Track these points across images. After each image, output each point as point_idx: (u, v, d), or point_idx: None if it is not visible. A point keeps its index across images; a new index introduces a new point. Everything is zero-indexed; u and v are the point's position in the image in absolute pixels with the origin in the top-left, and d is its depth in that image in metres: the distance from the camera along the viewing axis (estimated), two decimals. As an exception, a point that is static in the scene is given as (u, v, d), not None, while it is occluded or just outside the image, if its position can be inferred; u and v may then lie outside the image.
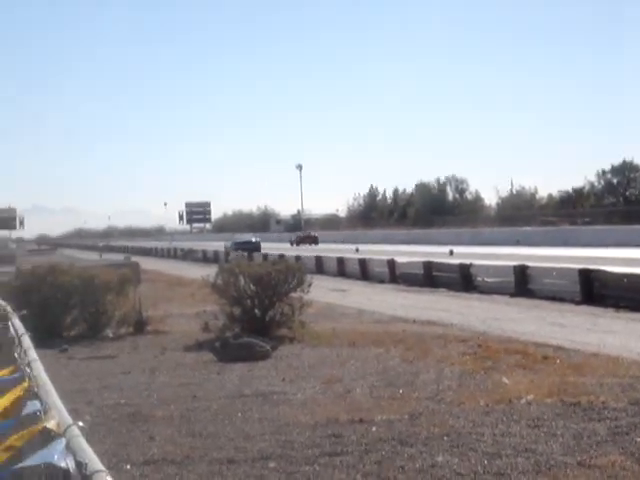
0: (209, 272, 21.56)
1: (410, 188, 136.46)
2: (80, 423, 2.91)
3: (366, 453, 9.72)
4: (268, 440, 10.47)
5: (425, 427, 10.74)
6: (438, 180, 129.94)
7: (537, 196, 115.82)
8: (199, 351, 18.03)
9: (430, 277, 33.10)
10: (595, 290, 24.40)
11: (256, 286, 20.16)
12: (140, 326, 21.79)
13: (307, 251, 53.82)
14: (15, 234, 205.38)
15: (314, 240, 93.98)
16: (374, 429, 10.77)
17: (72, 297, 21.67)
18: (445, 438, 10.17)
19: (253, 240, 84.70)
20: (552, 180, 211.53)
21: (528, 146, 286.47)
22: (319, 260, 45.05)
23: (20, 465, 2.90)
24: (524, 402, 11.93)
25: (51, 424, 3.03)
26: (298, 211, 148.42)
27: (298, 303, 20.09)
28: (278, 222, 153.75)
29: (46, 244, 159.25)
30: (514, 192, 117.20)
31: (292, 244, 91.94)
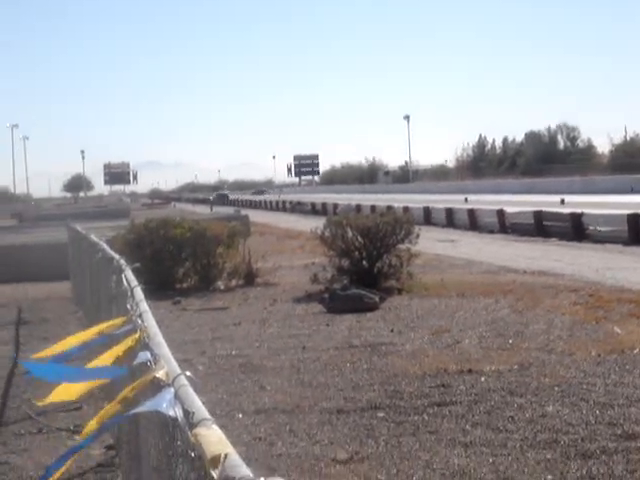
0: (317, 224, 21.65)
1: (520, 137, 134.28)
2: (188, 373, 2.98)
3: (475, 403, 9.71)
4: (377, 390, 10.55)
5: (535, 377, 10.66)
6: (549, 128, 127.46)
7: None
8: (308, 302, 18.18)
9: (541, 227, 32.63)
10: None
11: (364, 238, 20.18)
12: (250, 278, 22.06)
13: (416, 202, 53.53)
14: (129, 189, 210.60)
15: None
16: (483, 379, 10.74)
17: (184, 250, 22.05)
18: (555, 388, 10.09)
19: (226, 193, 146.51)
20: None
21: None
22: (427, 211, 44.79)
23: (132, 412, 2.99)
24: (637, 352, 11.73)
25: (160, 374, 3.11)
26: (406, 162, 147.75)
27: (406, 254, 20.04)
28: (386, 174, 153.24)
29: (158, 198, 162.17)
30: (628, 139, 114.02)
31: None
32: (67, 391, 3.81)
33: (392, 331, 14.42)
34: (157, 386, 3.13)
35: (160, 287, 19.82)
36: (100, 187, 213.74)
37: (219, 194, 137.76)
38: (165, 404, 2.72)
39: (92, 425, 3.35)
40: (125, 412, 3.39)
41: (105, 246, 11.59)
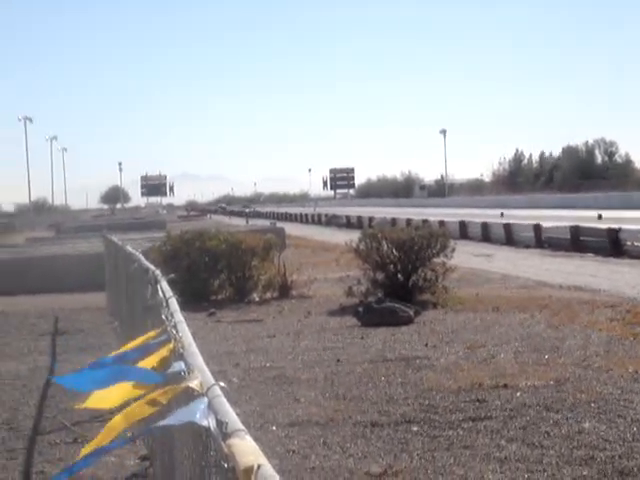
0: (352, 238, 21.64)
1: (557, 152, 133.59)
2: (222, 383, 2.97)
3: (510, 418, 9.64)
4: (411, 404, 10.50)
5: (571, 393, 10.56)
6: (586, 143, 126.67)
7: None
8: (343, 315, 18.16)
9: (577, 242, 32.39)
10: None
11: (399, 251, 20.14)
12: (285, 290, 22.09)
13: (451, 216, 53.37)
14: (165, 200, 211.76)
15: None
16: (519, 394, 10.66)
17: (219, 262, 22.13)
18: (592, 404, 9.99)
19: (224, 205, 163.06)
20: None
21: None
22: (463, 225, 44.62)
23: (165, 422, 2.98)
24: (675, 370, 11.58)
25: (194, 383, 3.11)
26: (442, 176, 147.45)
27: (441, 268, 19.98)
28: (422, 188, 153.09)
29: (195, 210, 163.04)
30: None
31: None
32: (103, 399, 3.81)
33: (427, 345, 14.36)
34: (190, 396, 3.13)
35: (195, 299, 19.88)
36: (137, 199, 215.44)
37: (220, 206, 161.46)
38: (199, 414, 2.71)
39: (118, 421, 3.32)
40: (154, 415, 3.38)
41: (141, 257, 11.63)
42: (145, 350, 4.53)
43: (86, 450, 3.31)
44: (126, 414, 3.34)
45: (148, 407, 3.29)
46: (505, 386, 11.10)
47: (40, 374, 13.62)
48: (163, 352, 4.18)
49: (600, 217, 47.26)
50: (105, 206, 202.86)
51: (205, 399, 2.82)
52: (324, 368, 12.87)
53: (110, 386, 3.74)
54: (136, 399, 3.50)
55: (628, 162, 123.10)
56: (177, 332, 4.32)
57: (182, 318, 4.90)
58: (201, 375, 3.20)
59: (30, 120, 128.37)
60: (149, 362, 3.99)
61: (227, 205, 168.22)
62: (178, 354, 3.91)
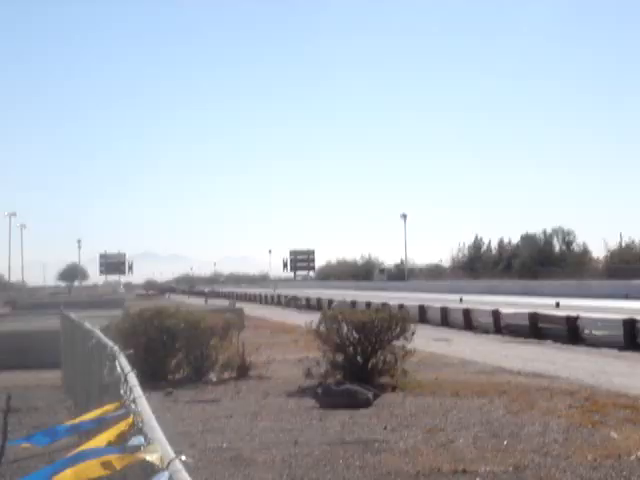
0: (312, 319, 21.59)
1: (515, 239, 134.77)
2: (183, 457, 2.90)
3: (469, 504, 9.53)
4: (369, 488, 10.35)
5: (530, 480, 10.49)
6: (544, 231, 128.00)
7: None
8: (301, 397, 18.01)
9: (536, 329, 32.51)
10: None
11: (359, 333, 20.10)
12: (243, 371, 21.91)
13: (410, 300, 53.49)
14: (124, 279, 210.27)
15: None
16: (478, 480, 10.56)
17: (178, 340, 21.91)
18: (551, 492, 9.91)
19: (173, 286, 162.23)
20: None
21: (639, 199, 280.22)
22: (422, 309, 44.69)
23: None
24: (634, 458, 11.57)
25: (154, 457, 3.03)
26: (401, 260, 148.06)
27: (401, 351, 19.94)
28: (381, 271, 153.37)
29: (153, 289, 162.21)
30: (623, 245, 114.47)
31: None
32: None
33: (385, 428, 14.25)
34: (150, 470, 3.05)
35: (152, 377, 19.60)
36: (95, 276, 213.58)
37: (169, 286, 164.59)
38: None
39: (68, 476, 3.20)
40: (104, 479, 3.28)
41: (99, 333, 11.50)
42: (101, 422, 4.44)
43: None
44: (76, 471, 3.22)
45: (100, 468, 3.19)
46: (464, 471, 11.01)
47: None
48: (121, 426, 4.09)
49: (558, 305, 47.57)
50: (62, 283, 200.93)
51: (166, 473, 2.76)
52: (282, 450, 12.70)
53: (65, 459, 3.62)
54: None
55: (585, 252, 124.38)
56: (136, 406, 4.24)
57: (141, 393, 4.82)
58: (162, 449, 3.13)
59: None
60: (106, 435, 3.90)
61: (190, 286, 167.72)
62: (137, 428, 3.83)
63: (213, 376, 21.72)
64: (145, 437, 3.52)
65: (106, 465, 3.18)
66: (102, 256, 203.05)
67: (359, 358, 20.00)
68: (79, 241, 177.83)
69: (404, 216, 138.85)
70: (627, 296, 61.03)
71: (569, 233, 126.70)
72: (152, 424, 3.73)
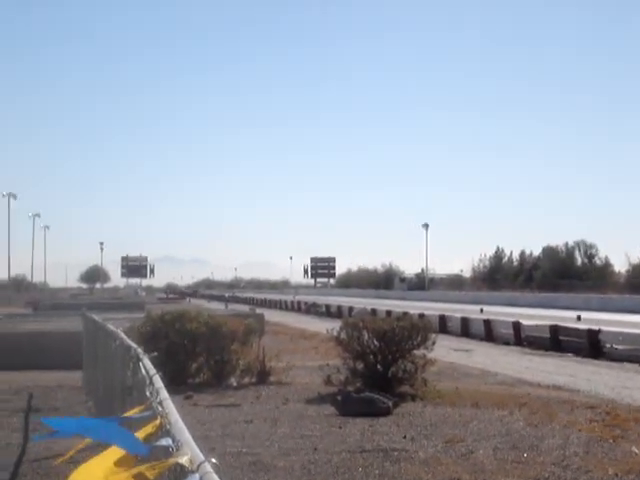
0: (332, 326, 21.59)
1: (537, 251, 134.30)
2: (213, 460, 2.92)
3: (489, 516, 9.50)
4: (388, 497, 10.34)
5: (550, 493, 10.45)
6: (566, 244, 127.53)
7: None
8: (321, 404, 18.01)
9: (557, 341, 32.41)
10: None
11: (380, 341, 20.08)
12: (263, 376, 21.93)
13: (431, 310, 53.37)
14: (145, 282, 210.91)
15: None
16: (497, 492, 10.53)
17: (198, 344, 21.96)
18: (571, 505, 9.87)
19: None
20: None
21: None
22: (443, 319, 44.60)
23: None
24: (655, 473, 11.50)
25: (184, 460, 3.05)
26: (422, 270, 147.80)
27: (421, 361, 19.91)
28: (402, 280, 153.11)
29: (173, 293, 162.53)
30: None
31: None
32: (87, 475, 3.70)
33: (405, 437, 14.22)
34: (179, 473, 3.07)
35: (172, 381, 19.60)
36: (117, 279, 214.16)
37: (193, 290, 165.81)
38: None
39: None
40: None
41: (123, 335, 11.55)
42: (128, 424, 4.45)
43: None
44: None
45: None
46: (484, 482, 10.97)
47: (12, 451, 13.43)
48: (148, 428, 4.11)
49: (579, 318, 47.36)
50: (84, 285, 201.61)
51: (196, 476, 2.77)
52: (301, 456, 12.71)
53: (92, 439, 3.63)
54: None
55: (607, 265, 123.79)
56: (163, 408, 4.26)
57: (167, 395, 4.84)
58: (191, 451, 3.15)
59: (14, 197, 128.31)
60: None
61: (206, 289, 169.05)
62: (165, 430, 3.85)
63: (233, 381, 21.75)
64: (173, 439, 3.54)
65: (139, 477, 3.20)
66: (124, 259, 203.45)
67: (379, 366, 19.98)
68: (101, 243, 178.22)
69: (426, 225, 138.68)
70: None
71: (591, 246, 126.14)
72: (180, 426, 3.75)
